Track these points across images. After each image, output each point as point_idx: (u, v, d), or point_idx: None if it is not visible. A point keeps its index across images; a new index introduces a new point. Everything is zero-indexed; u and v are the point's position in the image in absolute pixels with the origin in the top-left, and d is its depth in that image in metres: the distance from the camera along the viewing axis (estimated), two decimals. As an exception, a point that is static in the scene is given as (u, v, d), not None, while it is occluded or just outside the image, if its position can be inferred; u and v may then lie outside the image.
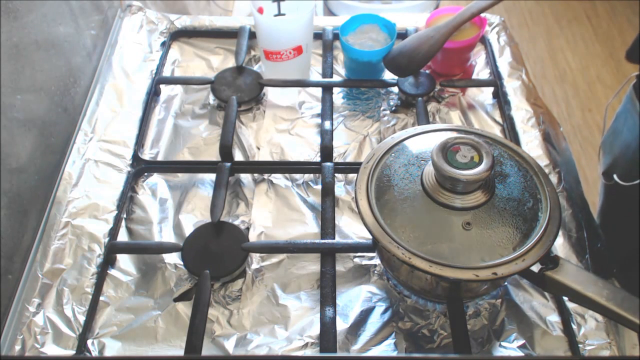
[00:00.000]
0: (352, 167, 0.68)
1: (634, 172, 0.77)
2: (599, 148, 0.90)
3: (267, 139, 0.72)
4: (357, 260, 0.60)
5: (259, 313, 0.56)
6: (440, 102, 0.76)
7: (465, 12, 0.70)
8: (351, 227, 0.63)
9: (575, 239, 0.61)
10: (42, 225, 0.63)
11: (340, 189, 0.67)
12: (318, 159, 0.69)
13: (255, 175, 0.68)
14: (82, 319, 0.55)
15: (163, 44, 0.84)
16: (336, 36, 0.82)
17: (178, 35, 0.86)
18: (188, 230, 0.62)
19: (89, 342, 0.54)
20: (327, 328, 0.53)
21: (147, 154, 0.71)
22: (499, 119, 0.75)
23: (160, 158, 0.71)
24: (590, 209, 0.65)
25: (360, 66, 0.76)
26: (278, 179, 0.68)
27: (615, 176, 0.80)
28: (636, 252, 0.80)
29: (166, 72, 0.81)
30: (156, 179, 0.68)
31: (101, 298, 0.57)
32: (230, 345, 0.54)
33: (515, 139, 0.71)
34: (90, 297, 0.56)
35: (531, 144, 0.70)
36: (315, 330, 0.55)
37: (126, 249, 0.61)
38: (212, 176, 0.67)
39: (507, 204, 0.49)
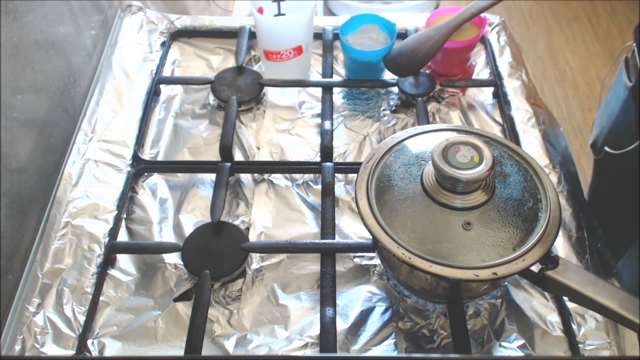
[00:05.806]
0: (352, 167, 0.68)
1: (619, 141, 0.76)
2: (592, 123, 0.89)
3: (267, 139, 0.72)
4: (357, 260, 0.60)
5: (259, 313, 0.56)
6: (440, 102, 0.76)
7: (465, 12, 0.70)
8: (351, 227, 0.63)
9: (575, 239, 0.61)
10: (42, 225, 0.63)
11: (340, 189, 0.67)
12: (318, 159, 0.69)
13: (255, 175, 0.68)
14: (82, 319, 0.55)
15: (163, 44, 0.84)
16: (336, 36, 0.82)
17: (178, 35, 0.86)
18: (188, 230, 0.62)
19: (89, 342, 0.54)
20: (327, 328, 0.53)
21: (147, 154, 0.71)
22: (499, 119, 0.75)
23: (160, 158, 0.71)
24: (590, 209, 0.65)
25: (360, 66, 0.76)
26: (278, 179, 0.68)
27: (606, 147, 0.79)
28: (622, 225, 0.79)
29: (166, 72, 0.81)
30: (156, 179, 0.68)
31: (101, 298, 0.57)
32: (230, 345, 0.54)
33: (515, 139, 0.71)
34: (90, 297, 0.56)
35: (531, 144, 0.70)
36: (315, 330, 0.55)
37: (126, 249, 0.61)
38: (212, 176, 0.67)
39: (507, 204, 0.49)
